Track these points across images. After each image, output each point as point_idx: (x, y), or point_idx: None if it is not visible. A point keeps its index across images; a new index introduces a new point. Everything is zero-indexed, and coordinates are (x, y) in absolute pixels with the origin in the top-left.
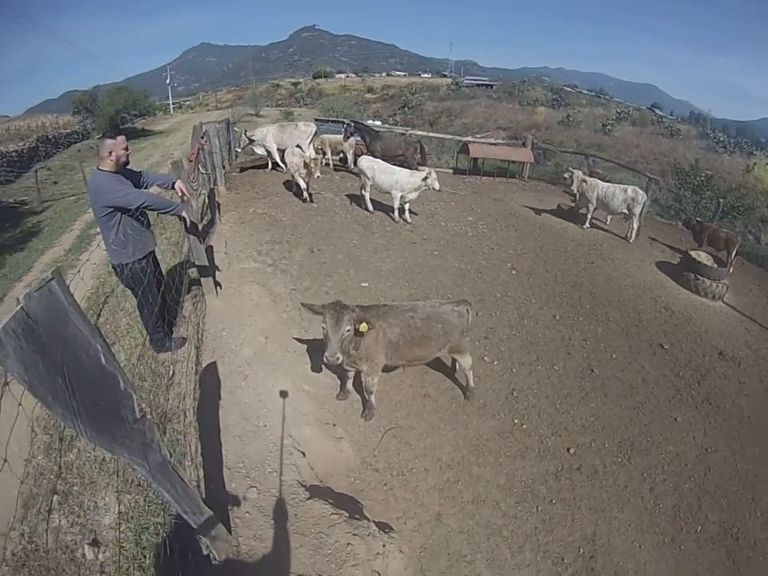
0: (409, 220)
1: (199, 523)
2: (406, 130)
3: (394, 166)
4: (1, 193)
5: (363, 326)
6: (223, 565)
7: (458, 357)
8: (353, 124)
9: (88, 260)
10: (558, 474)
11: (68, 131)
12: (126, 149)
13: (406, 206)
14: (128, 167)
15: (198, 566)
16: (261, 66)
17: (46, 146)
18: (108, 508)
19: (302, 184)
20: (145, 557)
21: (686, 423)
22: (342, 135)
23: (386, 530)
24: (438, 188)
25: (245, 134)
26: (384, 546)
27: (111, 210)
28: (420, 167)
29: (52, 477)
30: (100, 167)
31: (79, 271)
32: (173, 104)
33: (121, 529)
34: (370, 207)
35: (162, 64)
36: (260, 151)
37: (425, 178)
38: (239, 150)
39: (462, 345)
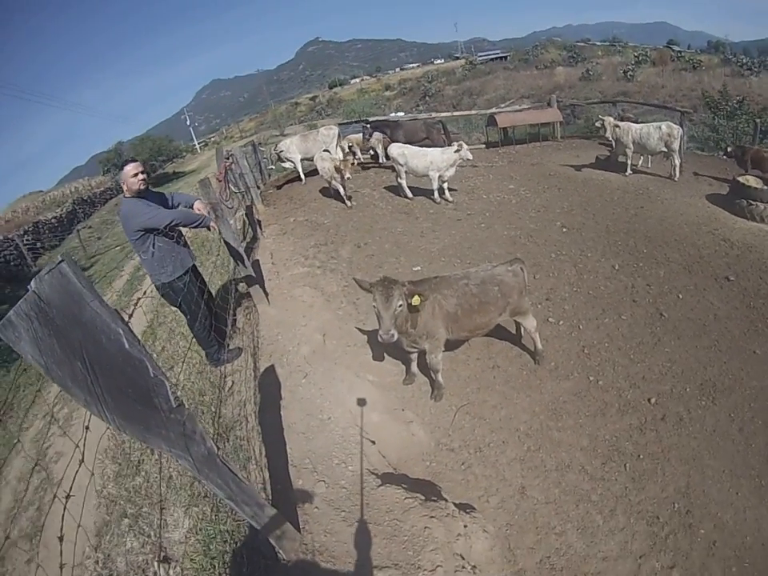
0: (450, 199)
1: (262, 522)
2: (429, 115)
3: (424, 148)
4: (48, 258)
5: (416, 299)
6: (292, 564)
7: (521, 319)
8: (369, 124)
9: (142, 296)
10: (643, 428)
11: (102, 189)
12: (137, 175)
13: (445, 186)
14: (155, 191)
15: (267, 569)
16: (275, 88)
17: (83, 207)
18: (177, 523)
19: (340, 189)
20: (214, 566)
21: (765, 355)
22: (362, 136)
23: (468, 511)
24: (471, 158)
25: (274, 150)
26: (465, 526)
27: (143, 232)
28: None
29: (122, 502)
30: (125, 195)
31: (136, 304)
32: (198, 143)
33: (190, 542)
34: (409, 194)
35: (178, 109)
36: (289, 165)
37: (457, 151)
38: (273, 168)
39: (522, 306)
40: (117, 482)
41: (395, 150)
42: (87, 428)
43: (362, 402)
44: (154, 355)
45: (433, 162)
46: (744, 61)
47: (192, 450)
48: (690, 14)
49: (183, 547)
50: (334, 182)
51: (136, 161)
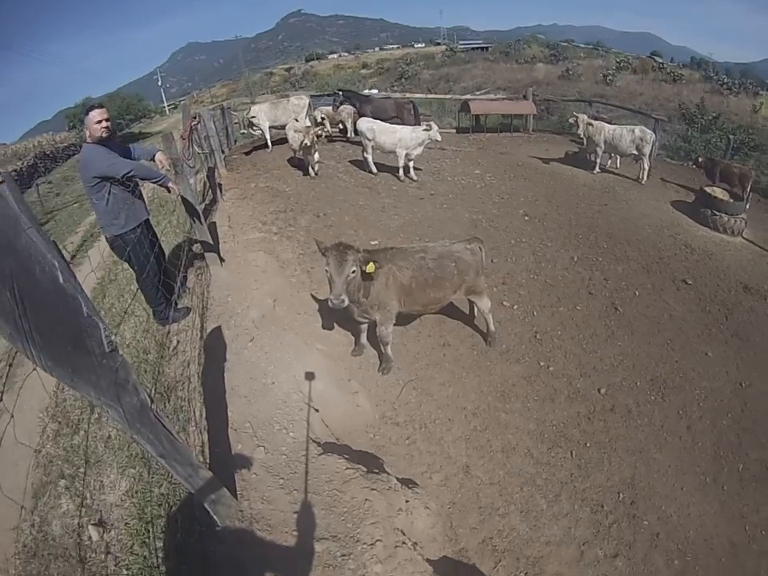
0: (414, 177)
1: (196, 485)
2: (403, 95)
3: (394, 125)
4: None
5: (371, 267)
6: (227, 532)
7: (476, 299)
8: (341, 93)
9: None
10: (591, 416)
11: (65, 145)
12: (101, 122)
13: (411, 164)
14: (118, 142)
15: (202, 536)
16: (252, 56)
17: (45, 161)
18: (114, 485)
19: (307, 158)
20: (148, 531)
21: (717, 358)
22: (332, 105)
23: (410, 486)
24: (439, 139)
25: (246, 115)
26: (407, 501)
27: (99, 180)
28: None
29: (60, 462)
30: (86, 140)
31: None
32: (168, 105)
33: (125, 505)
34: (374, 169)
35: (151, 69)
36: (258, 132)
37: (426, 130)
38: (244, 132)
39: (478, 285)
40: (55, 441)
41: (364, 124)
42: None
43: (308, 370)
44: (102, 312)
45: (401, 139)
46: (725, 80)
47: (123, 401)
48: (677, 28)
49: (119, 510)
50: (301, 152)
51: (103, 107)
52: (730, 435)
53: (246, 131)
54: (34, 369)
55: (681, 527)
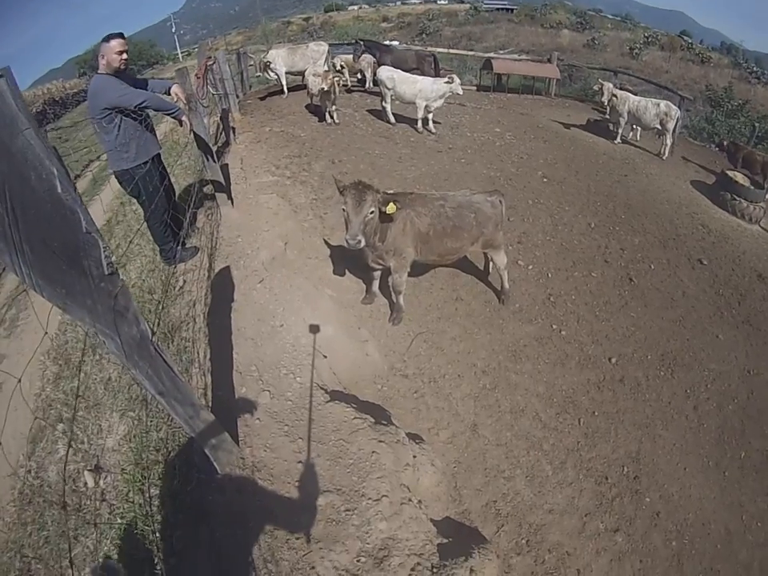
0: (433, 130)
1: (197, 428)
2: (425, 48)
3: (415, 75)
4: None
5: (391, 207)
6: (227, 479)
7: (493, 253)
8: (362, 42)
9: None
10: (601, 385)
11: (75, 91)
12: (121, 53)
13: (430, 116)
14: (132, 76)
15: (200, 483)
16: (269, 5)
17: (54, 108)
18: (112, 429)
19: (325, 105)
20: (145, 478)
21: (727, 342)
22: (353, 55)
23: (417, 441)
24: (461, 92)
25: (262, 58)
26: (414, 456)
27: (109, 111)
28: None
29: (59, 406)
30: (99, 71)
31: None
32: (182, 52)
33: (122, 450)
34: (392, 119)
35: (165, 15)
36: (274, 77)
37: (448, 82)
38: (259, 75)
39: (496, 239)
40: (55, 384)
41: (384, 72)
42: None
43: (317, 314)
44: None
45: (422, 90)
46: (754, 68)
47: (121, 330)
48: (709, 10)
49: (116, 456)
50: (319, 98)
51: (123, 37)
52: (734, 421)
53: (261, 74)
54: (25, 290)
55: (681, 508)
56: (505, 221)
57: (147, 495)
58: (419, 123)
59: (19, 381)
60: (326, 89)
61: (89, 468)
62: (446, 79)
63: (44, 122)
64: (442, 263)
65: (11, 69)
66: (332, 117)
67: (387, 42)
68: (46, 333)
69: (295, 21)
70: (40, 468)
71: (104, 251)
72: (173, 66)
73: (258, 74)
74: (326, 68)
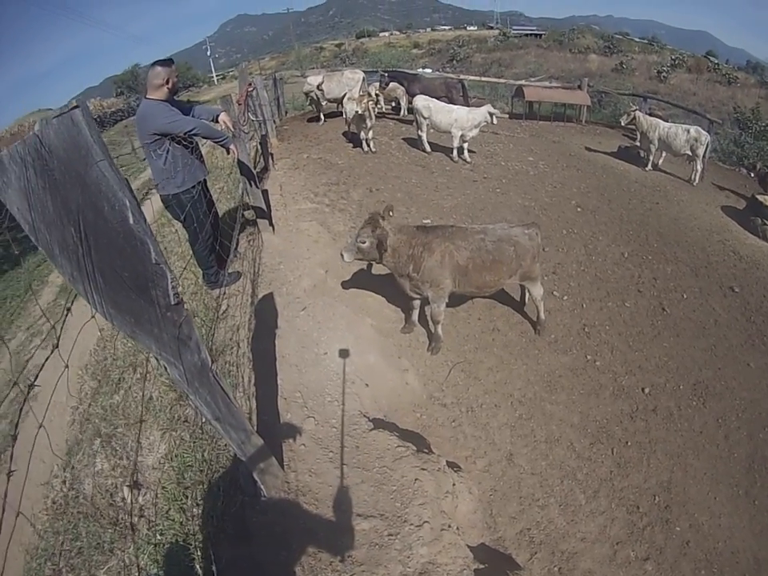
0: (468, 159)
1: (247, 452)
2: (457, 76)
3: (451, 105)
4: None
5: (385, 249)
6: (272, 503)
7: (530, 285)
8: (386, 74)
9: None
10: (633, 415)
11: (113, 110)
12: (168, 80)
13: (465, 146)
14: (180, 101)
15: (245, 506)
16: (302, 30)
17: None
18: (152, 448)
19: (362, 133)
20: (186, 497)
21: (759, 370)
22: (379, 85)
23: (455, 469)
24: (496, 122)
25: (303, 90)
26: (454, 484)
27: (158, 136)
28: None
29: (96, 421)
30: (148, 96)
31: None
32: (216, 75)
33: (164, 468)
34: (428, 148)
35: (199, 39)
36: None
37: (487, 113)
38: (298, 101)
39: (534, 271)
40: (94, 399)
41: (420, 102)
42: (69, 310)
43: (359, 342)
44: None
45: (458, 119)
46: None
47: (184, 358)
48: (733, 29)
49: (156, 473)
50: (355, 125)
51: (171, 63)
52: (765, 449)
53: (312, 107)
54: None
55: (711, 537)
56: (541, 252)
57: (189, 514)
58: (454, 152)
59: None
60: (359, 112)
61: (127, 484)
62: (485, 109)
63: None
64: (479, 295)
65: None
66: (368, 145)
67: (420, 70)
68: (56, 348)
69: (327, 47)
70: (75, 480)
71: (171, 282)
72: (208, 88)
73: (310, 107)
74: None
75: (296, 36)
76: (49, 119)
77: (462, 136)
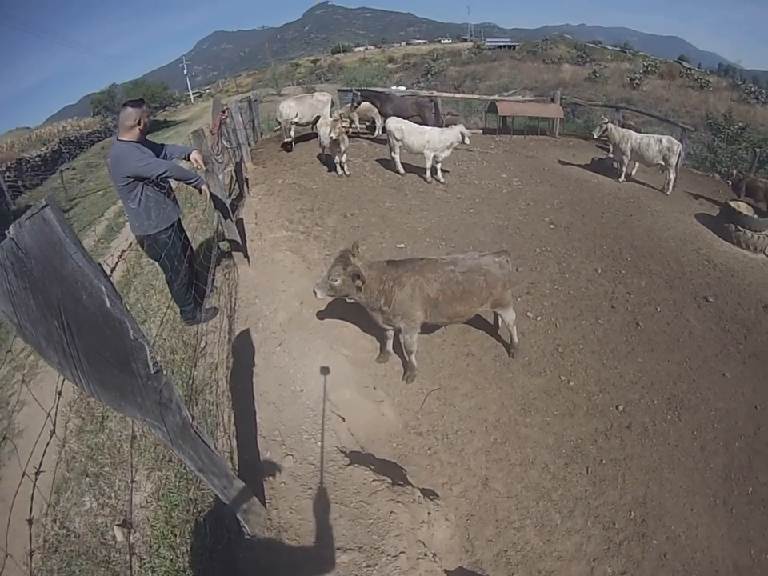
0: (442, 180)
1: (230, 496)
2: (431, 93)
3: (423, 126)
4: (28, 197)
5: (359, 284)
6: (257, 539)
7: (502, 311)
8: (359, 93)
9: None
10: (608, 433)
11: (90, 131)
12: (139, 121)
13: (438, 166)
14: (149, 140)
15: (231, 543)
16: (278, 47)
17: (69, 147)
18: (139, 487)
19: (336, 157)
20: (175, 535)
21: (734, 379)
22: (350, 104)
23: (431, 497)
24: (468, 142)
25: (278, 117)
26: (429, 513)
27: (132, 179)
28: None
29: (83, 459)
30: (120, 138)
31: (120, 257)
32: (193, 93)
33: (151, 507)
34: (401, 170)
35: (176, 57)
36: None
37: (459, 133)
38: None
39: (505, 298)
40: (79, 437)
41: (393, 123)
42: (60, 393)
43: (334, 376)
44: (127, 307)
45: (430, 141)
46: (752, 89)
47: (167, 420)
48: (705, 33)
49: (144, 512)
50: (329, 148)
51: (142, 104)
52: (741, 458)
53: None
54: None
55: (688, 548)
56: (513, 274)
57: (179, 551)
58: (428, 173)
59: (51, 431)
60: (334, 137)
61: (117, 523)
62: (457, 131)
63: (59, 162)
64: (452, 323)
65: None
66: (342, 168)
67: (393, 88)
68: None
69: (303, 63)
70: (65, 518)
71: (149, 353)
72: (185, 107)
73: (288, 138)
74: (335, 116)
75: (272, 52)
76: (22, 222)
77: (434, 157)
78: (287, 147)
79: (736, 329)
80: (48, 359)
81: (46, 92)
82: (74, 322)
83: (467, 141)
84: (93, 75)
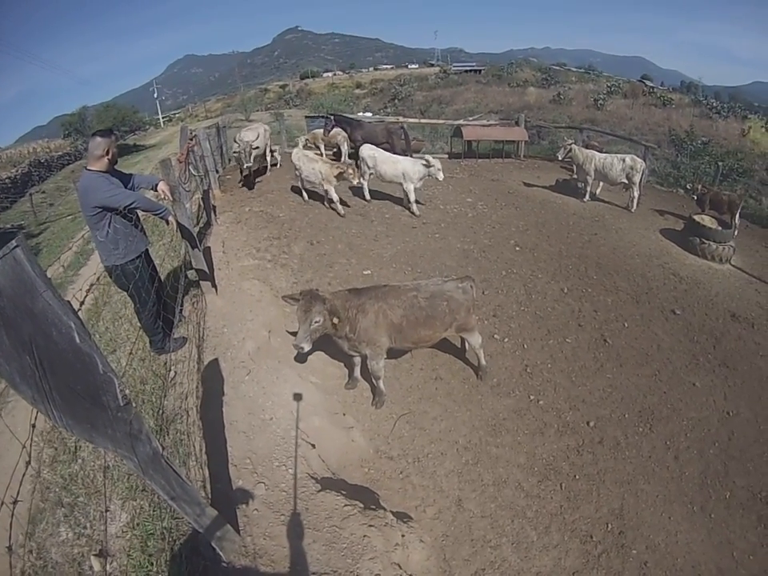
0: (415, 210)
1: (204, 524)
2: (397, 119)
3: (396, 155)
4: None
5: (336, 320)
6: (232, 567)
7: (467, 336)
8: (332, 117)
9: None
10: (580, 449)
11: (60, 153)
12: (108, 151)
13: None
14: (117, 169)
15: (207, 570)
16: (247, 71)
17: (39, 170)
18: (114, 516)
19: (334, 196)
20: (152, 564)
21: (705, 388)
22: (323, 129)
23: (405, 520)
24: (441, 178)
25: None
26: (403, 536)
27: (100, 210)
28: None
29: (57, 489)
30: (89, 167)
31: (89, 290)
32: (162, 117)
33: (127, 537)
34: (368, 196)
35: (147, 80)
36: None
37: (425, 165)
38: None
39: (469, 323)
40: (52, 467)
41: (367, 151)
42: (34, 426)
43: (303, 404)
44: (97, 336)
45: (405, 172)
46: (714, 104)
47: (137, 450)
48: (667, 52)
49: (120, 542)
50: (326, 184)
51: (111, 135)
52: (716, 464)
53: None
54: None
55: (669, 555)
56: (478, 296)
57: None
58: (414, 207)
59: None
60: (354, 181)
61: (94, 552)
62: (423, 162)
63: (29, 184)
64: (417, 348)
65: None
66: (335, 205)
67: (360, 114)
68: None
69: (272, 88)
70: (41, 549)
71: (118, 386)
72: (154, 131)
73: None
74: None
75: (241, 77)
76: None
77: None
78: (248, 181)
79: (704, 339)
80: (22, 394)
81: (16, 111)
82: (45, 357)
83: (440, 176)
84: (64, 96)
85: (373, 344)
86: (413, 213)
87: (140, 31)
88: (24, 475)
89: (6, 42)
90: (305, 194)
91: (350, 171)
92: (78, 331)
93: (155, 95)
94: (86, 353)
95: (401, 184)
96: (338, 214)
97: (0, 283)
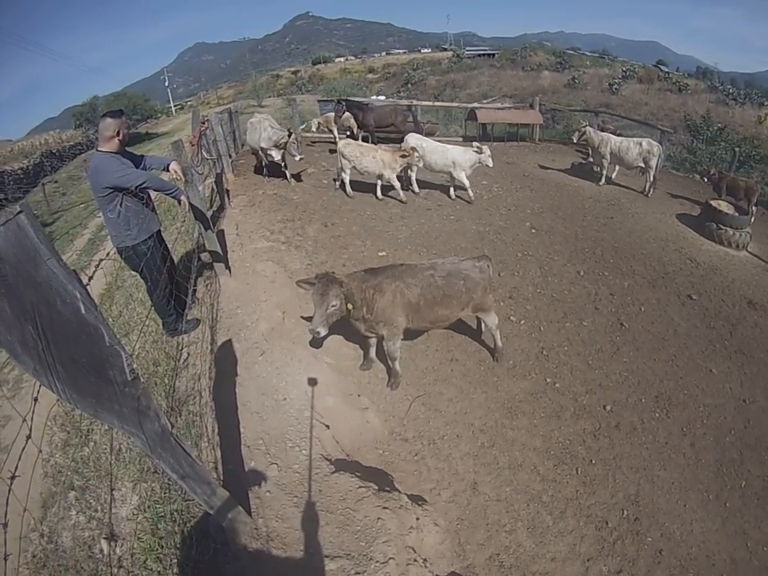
0: (416, 190)
1: (214, 506)
2: (410, 102)
3: (444, 144)
4: None
5: (350, 306)
6: (243, 549)
7: (483, 316)
8: (343, 102)
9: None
10: (596, 433)
11: (72, 144)
12: (119, 132)
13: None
14: (129, 151)
15: (217, 553)
16: (258, 58)
17: (51, 160)
18: (125, 499)
19: (396, 183)
20: (162, 547)
21: (721, 375)
22: (333, 114)
23: (420, 503)
24: (491, 165)
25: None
26: (418, 519)
27: (111, 190)
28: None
29: (69, 473)
30: (100, 149)
31: (98, 266)
32: (174, 106)
33: (137, 519)
34: (417, 188)
35: (158, 69)
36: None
37: (476, 152)
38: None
39: (486, 302)
40: (64, 451)
41: (414, 140)
42: (36, 399)
43: (318, 385)
44: (110, 320)
45: (456, 161)
46: (730, 90)
47: (145, 427)
48: (682, 37)
49: (131, 525)
50: (387, 172)
51: (121, 116)
52: (732, 452)
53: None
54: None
55: (683, 544)
56: (494, 277)
57: (166, 563)
58: (470, 192)
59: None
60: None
61: (104, 536)
62: (474, 149)
63: (41, 175)
64: (434, 328)
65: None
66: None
67: (373, 97)
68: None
69: (284, 74)
70: (53, 533)
71: (126, 360)
72: (166, 119)
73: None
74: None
75: (253, 64)
76: None
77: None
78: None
79: (721, 325)
80: (23, 364)
81: (27, 104)
82: (48, 327)
83: (489, 162)
84: (75, 88)
85: (390, 324)
86: (470, 198)
87: (150, 19)
88: (23, 450)
89: (17, 35)
90: (348, 187)
91: (415, 155)
92: (83, 301)
93: (166, 83)
94: (91, 324)
95: (449, 173)
96: (401, 201)
97: (3, 249)
